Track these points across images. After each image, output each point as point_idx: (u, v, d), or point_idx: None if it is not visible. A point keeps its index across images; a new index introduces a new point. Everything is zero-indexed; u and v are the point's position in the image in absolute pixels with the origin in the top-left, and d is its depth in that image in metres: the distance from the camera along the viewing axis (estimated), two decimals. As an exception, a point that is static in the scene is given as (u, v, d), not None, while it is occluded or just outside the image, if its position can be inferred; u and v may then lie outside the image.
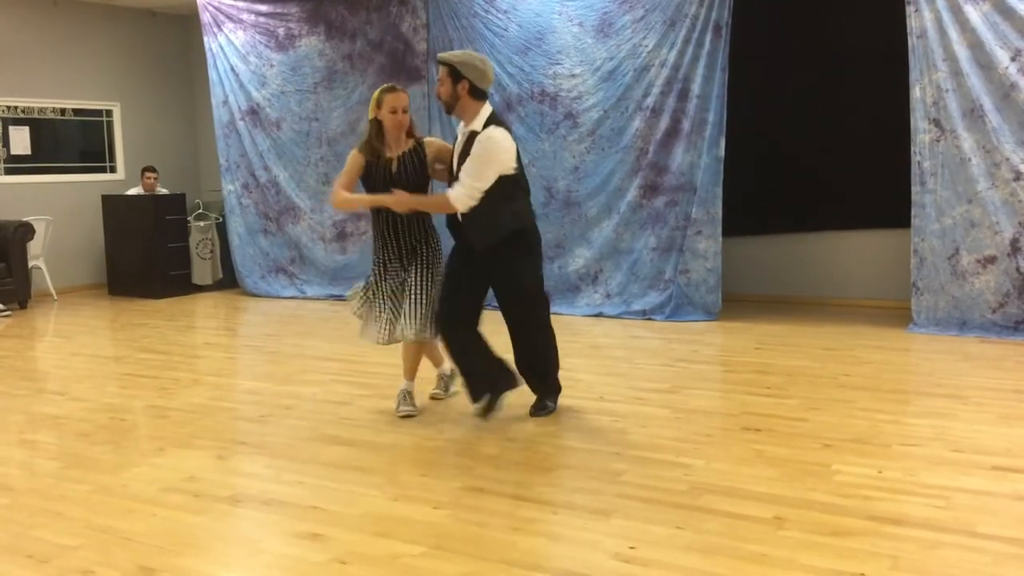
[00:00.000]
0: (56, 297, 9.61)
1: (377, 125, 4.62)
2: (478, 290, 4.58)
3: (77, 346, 7.13)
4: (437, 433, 4.48)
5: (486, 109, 4.41)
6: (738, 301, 7.95)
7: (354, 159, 4.65)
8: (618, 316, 7.65)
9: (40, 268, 9.43)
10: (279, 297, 9.46)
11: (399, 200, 4.46)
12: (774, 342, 6.49)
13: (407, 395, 4.77)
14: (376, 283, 4.70)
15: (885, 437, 4.20)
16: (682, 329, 7.09)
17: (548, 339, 4.68)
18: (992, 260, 6.40)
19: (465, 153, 4.36)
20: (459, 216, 4.45)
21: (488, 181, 4.30)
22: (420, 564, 2.97)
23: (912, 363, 5.94)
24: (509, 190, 4.37)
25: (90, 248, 10.22)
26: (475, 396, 4.59)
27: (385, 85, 4.73)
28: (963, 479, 3.60)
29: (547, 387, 4.75)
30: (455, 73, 4.34)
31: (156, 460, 4.14)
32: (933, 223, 6.57)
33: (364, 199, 4.65)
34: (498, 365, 4.59)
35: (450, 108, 4.44)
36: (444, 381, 5.12)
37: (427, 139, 4.83)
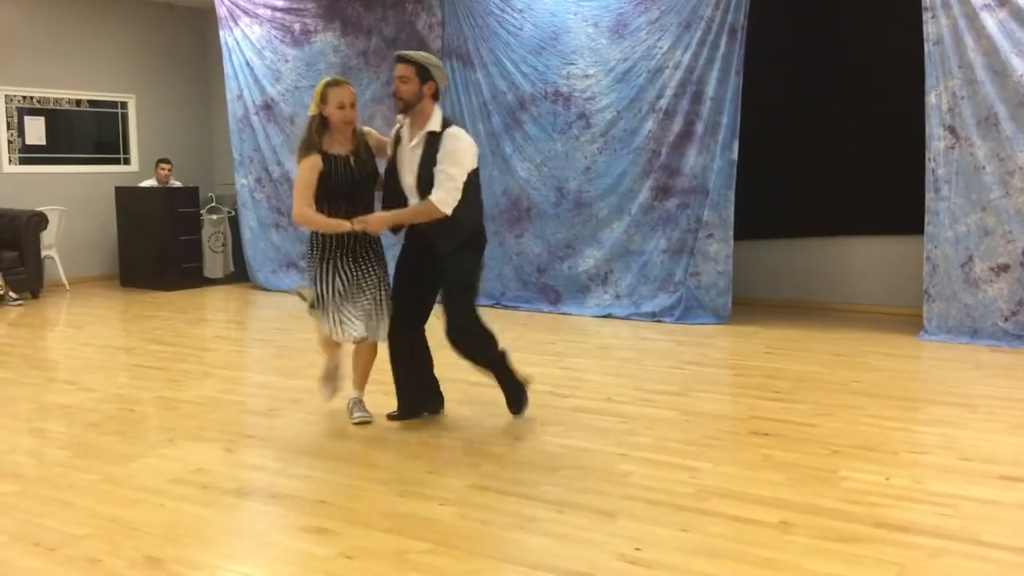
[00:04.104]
0: (68, 287, 9.66)
1: (320, 121, 4.31)
2: (429, 294, 4.52)
3: (88, 336, 7.16)
4: (444, 431, 4.48)
5: (438, 111, 4.32)
6: (748, 305, 7.94)
7: (313, 165, 4.25)
8: (627, 317, 7.64)
9: (53, 258, 9.48)
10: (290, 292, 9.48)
11: (378, 221, 4.28)
12: (784, 347, 6.48)
13: (359, 402, 4.65)
14: (339, 284, 4.38)
15: (893, 444, 4.18)
16: (691, 332, 7.08)
17: (482, 342, 4.48)
18: (1005, 268, 6.37)
19: (428, 155, 4.22)
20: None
21: (463, 179, 4.22)
22: (425, 560, 2.98)
23: (922, 371, 5.92)
24: (472, 190, 4.31)
25: (103, 239, 10.27)
26: (403, 408, 4.63)
27: (328, 78, 4.42)
28: (971, 488, 3.59)
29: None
30: (424, 73, 4.24)
31: (165, 451, 4.16)
32: (947, 230, 6.54)
33: (331, 223, 4.26)
34: (432, 385, 4.70)
35: (409, 107, 4.27)
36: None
37: (364, 128, 4.56)
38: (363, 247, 4.41)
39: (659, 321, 7.50)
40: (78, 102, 10.18)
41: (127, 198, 9.89)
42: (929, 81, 6.51)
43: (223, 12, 9.72)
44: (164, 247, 9.63)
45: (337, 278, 4.36)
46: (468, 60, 8.35)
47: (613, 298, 7.84)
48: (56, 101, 10.00)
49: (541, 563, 2.95)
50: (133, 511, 3.42)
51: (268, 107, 9.52)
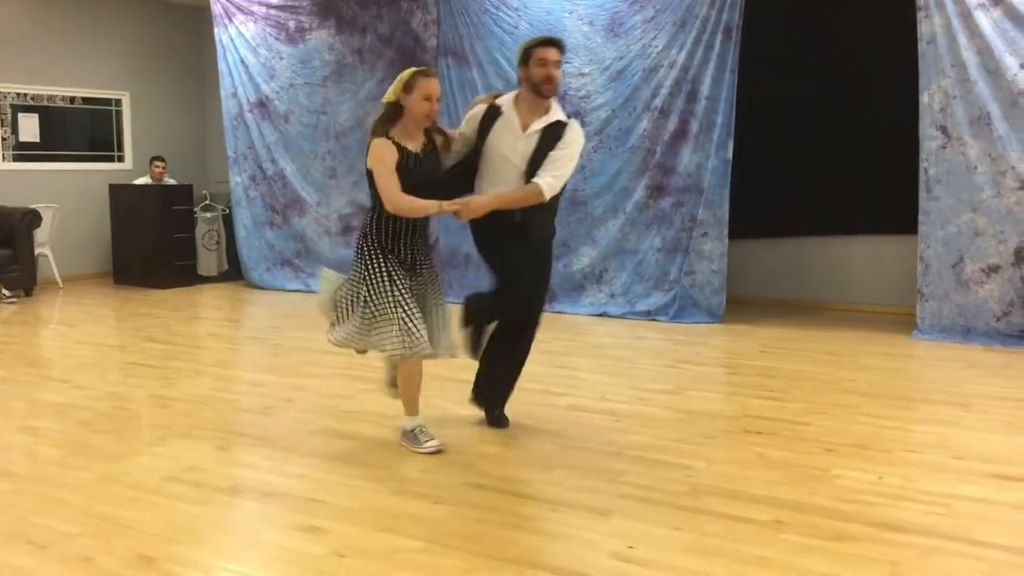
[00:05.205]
0: (62, 285, 9.63)
1: (396, 111, 3.92)
2: None
3: (81, 334, 7.14)
4: (439, 430, 4.47)
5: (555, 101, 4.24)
6: (742, 304, 7.94)
7: (389, 149, 3.86)
8: (622, 316, 7.64)
9: (46, 256, 9.45)
10: (284, 290, 9.47)
11: (479, 203, 3.94)
12: (778, 345, 6.48)
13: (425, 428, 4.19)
14: (396, 291, 3.93)
15: (887, 443, 4.19)
16: (686, 331, 7.09)
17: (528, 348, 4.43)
18: (996, 269, 6.39)
19: (547, 144, 4.05)
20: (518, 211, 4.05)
21: (571, 172, 4.14)
22: (419, 559, 2.98)
23: (916, 370, 5.93)
24: None
25: (96, 237, 10.24)
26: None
27: (416, 68, 3.97)
28: (964, 487, 3.60)
29: (505, 396, 4.47)
30: (562, 60, 4.17)
31: (158, 449, 4.15)
32: (939, 230, 6.55)
33: (432, 205, 3.85)
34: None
35: (553, 94, 4.14)
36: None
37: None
38: (422, 255, 4.07)
39: (654, 320, 7.51)
40: (72, 99, 10.15)
41: (121, 196, 9.86)
42: (922, 80, 6.52)
43: (218, 9, 9.69)
44: (158, 245, 9.61)
45: (395, 287, 3.92)
46: (463, 58, 8.35)
47: (608, 297, 7.84)
48: (50, 98, 9.96)
49: (535, 562, 2.95)
50: (126, 509, 3.42)
51: (262, 105, 9.51)
